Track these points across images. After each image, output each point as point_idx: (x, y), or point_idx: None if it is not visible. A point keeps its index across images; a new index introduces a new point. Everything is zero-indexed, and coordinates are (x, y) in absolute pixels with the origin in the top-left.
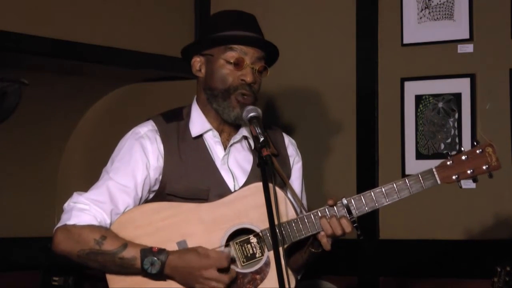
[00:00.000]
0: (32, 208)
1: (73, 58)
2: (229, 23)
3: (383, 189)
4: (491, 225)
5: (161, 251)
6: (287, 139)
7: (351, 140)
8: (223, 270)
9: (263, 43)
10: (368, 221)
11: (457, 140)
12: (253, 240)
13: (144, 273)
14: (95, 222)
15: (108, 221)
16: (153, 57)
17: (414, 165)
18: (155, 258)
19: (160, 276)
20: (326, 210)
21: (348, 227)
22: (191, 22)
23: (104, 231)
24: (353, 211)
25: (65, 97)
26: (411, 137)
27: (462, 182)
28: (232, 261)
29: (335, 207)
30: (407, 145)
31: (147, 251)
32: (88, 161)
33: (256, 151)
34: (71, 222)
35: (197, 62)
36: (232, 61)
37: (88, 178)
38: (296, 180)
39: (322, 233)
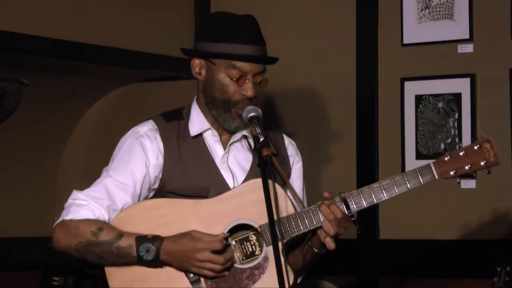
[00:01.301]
0: (32, 208)
1: (73, 58)
2: (232, 33)
3: (381, 184)
4: (491, 225)
5: (156, 237)
6: (287, 140)
7: (351, 140)
8: (219, 252)
9: (267, 60)
10: (368, 221)
11: (457, 140)
12: (253, 238)
13: (140, 261)
14: (92, 217)
15: (106, 217)
16: (153, 57)
17: (414, 165)
18: (150, 245)
19: (156, 262)
20: (324, 203)
21: (346, 221)
22: (191, 22)
23: (101, 224)
24: (351, 206)
25: (65, 97)
26: (411, 137)
27: (462, 182)
28: (227, 250)
29: (333, 202)
30: (407, 145)
31: (142, 238)
32: (88, 161)
33: (256, 151)
34: (68, 217)
35: (197, 64)
36: (234, 78)
37: (88, 178)
38: (296, 180)
39: (324, 233)
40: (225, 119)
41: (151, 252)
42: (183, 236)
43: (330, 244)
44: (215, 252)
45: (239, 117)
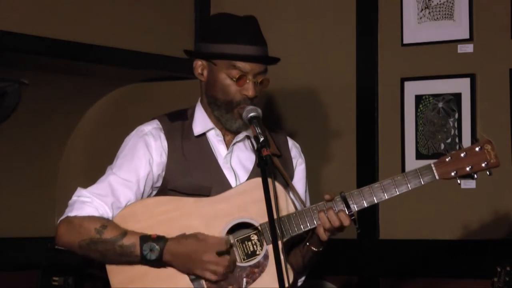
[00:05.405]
0: (32, 208)
1: (73, 58)
2: (233, 34)
3: (381, 184)
4: (491, 225)
5: (160, 238)
6: (291, 142)
7: (351, 140)
8: (223, 255)
9: (267, 59)
10: (368, 221)
11: (457, 140)
12: (254, 237)
13: (143, 260)
14: (96, 214)
15: (110, 214)
16: (153, 57)
17: (414, 165)
18: (154, 244)
19: (159, 262)
20: (325, 204)
21: (346, 220)
22: (191, 22)
23: (105, 221)
24: (352, 206)
25: (65, 97)
26: (411, 137)
27: (462, 182)
28: (231, 253)
29: (333, 202)
30: (407, 145)
31: (146, 238)
32: (88, 161)
33: (257, 151)
34: (72, 213)
35: (199, 65)
36: (234, 79)
37: (88, 178)
38: (299, 181)
39: (320, 225)
40: (227, 120)
41: (155, 251)
42: (188, 237)
43: (323, 235)
44: (220, 254)
45: (240, 117)
